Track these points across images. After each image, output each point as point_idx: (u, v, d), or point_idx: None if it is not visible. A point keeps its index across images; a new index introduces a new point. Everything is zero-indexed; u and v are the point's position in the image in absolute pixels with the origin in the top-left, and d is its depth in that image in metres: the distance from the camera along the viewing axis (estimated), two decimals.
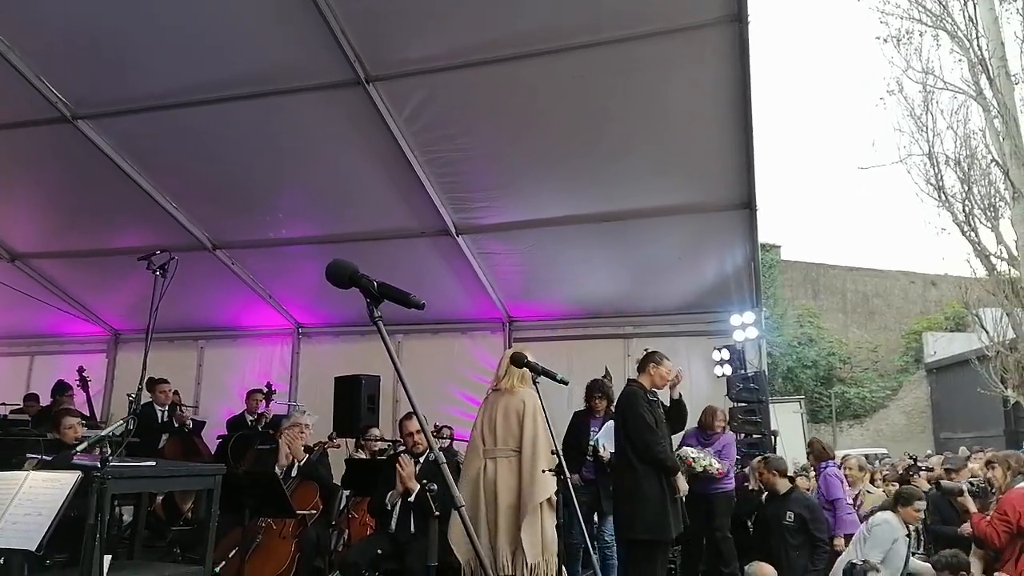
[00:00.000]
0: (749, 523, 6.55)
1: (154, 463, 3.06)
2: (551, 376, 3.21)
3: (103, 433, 3.05)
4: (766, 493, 6.14)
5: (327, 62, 5.45)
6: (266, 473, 4.09)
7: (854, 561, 4.73)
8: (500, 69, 5.46)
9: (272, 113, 6.05)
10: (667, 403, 5.09)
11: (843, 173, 49.40)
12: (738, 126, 5.73)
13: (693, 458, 6.11)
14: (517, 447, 4.24)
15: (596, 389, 6.05)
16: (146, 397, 7.13)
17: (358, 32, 5.26)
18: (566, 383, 3.30)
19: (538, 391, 3.40)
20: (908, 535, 5.11)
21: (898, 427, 24.93)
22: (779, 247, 27.15)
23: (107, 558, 2.86)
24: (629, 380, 5.05)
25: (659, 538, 4.48)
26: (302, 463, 4.83)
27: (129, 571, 3.06)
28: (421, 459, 4.46)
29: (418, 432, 4.45)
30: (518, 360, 3.32)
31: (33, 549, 2.38)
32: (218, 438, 7.32)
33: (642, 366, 4.94)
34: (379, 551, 3.83)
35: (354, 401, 7.43)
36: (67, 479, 2.55)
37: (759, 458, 6.36)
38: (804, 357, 25.68)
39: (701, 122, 5.85)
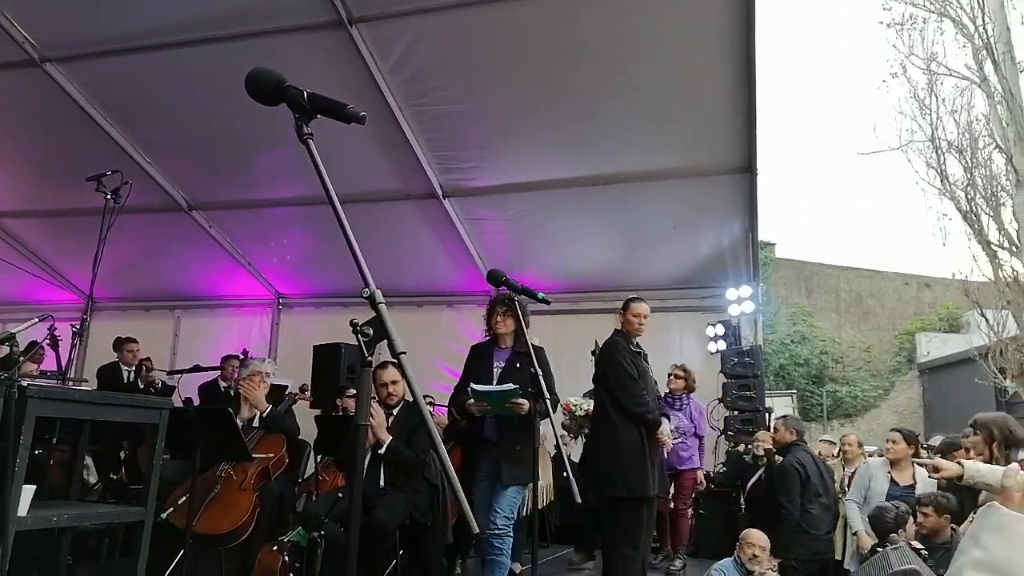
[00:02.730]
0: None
1: (89, 389, 2.77)
2: (531, 295, 2.99)
3: (16, 330, 2.74)
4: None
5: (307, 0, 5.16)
6: (217, 409, 3.77)
7: (880, 505, 4.55)
8: (492, 11, 5.20)
9: (250, 58, 5.60)
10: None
11: (841, 165, 49.13)
12: (740, 82, 5.46)
13: (573, 404, 5.68)
14: None
15: (500, 303, 4.29)
16: (112, 357, 6.84)
17: None
18: (547, 303, 3.11)
19: None
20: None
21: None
22: (773, 245, 26.96)
23: (29, 489, 2.55)
24: (615, 331, 4.78)
25: (638, 495, 4.25)
26: (265, 414, 4.51)
27: (57, 508, 2.75)
28: (394, 411, 4.20)
29: (392, 383, 4.18)
30: (495, 277, 3.05)
31: None
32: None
33: (620, 316, 4.77)
34: (339, 496, 3.54)
35: (333, 370, 7.09)
36: None
37: (779, 418, 6.17)
38: (797, 355, 25.51)
39: (701, 77, 5.58)
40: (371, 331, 1.37)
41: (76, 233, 8.18)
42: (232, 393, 6.52)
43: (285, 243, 8.03)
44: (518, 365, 4.09)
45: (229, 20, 5.40)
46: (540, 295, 3.08)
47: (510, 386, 3.92)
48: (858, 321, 27.09)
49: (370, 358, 1.39)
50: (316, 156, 1.43)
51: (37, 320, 3.06)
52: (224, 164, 7.02)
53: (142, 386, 6.68)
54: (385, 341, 1.37)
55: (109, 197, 3.70)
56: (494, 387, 4.03)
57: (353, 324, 1.42)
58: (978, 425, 4.02)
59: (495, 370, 4.22)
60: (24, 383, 2.32)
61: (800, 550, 5.24)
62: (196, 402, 7.01)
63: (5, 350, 3.87)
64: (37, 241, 8.58)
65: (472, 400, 4.03)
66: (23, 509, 2.52)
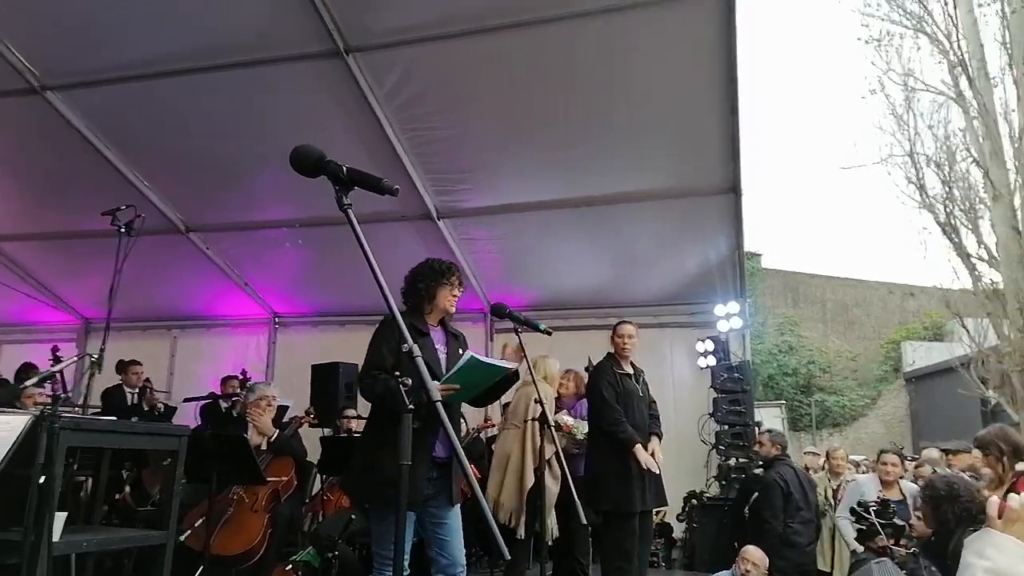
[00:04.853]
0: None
1: (114, 418, 2.89)
2: (534, 327, 3.15)
3: (55, 368, 2.87)
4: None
5: (305, 31, 5.32)
6: (234, 436, 3.90)
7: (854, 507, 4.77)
8: (483, 41, 5.35)
9: (248, 86, 5.89)
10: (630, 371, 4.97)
11: (823, 178, 49.79)
12: (724, 106, 5.65)
13: (572, 425, 5.55)
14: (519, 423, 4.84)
15: (456, 273, 3.59)
16: (115, 378, 6.92)
17: None
18: (549, 333, 3.26)
19: None
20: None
21: (877, 436, 24.96)
22: (760, 255, 27.20)
23: (61, 516, 2.67)
24: (607, 354, 5.05)
25: (622, 509, 4.44)
26: (272, 438, 4.63)
27: (85, 533, 2.86)
28: None
29: None
30: (499, 311, 3.22)
31: None
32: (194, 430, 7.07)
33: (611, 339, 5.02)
34: (352, 517, 3.67)
35: (331, 389, 7.22)
36: (18, 422, 2.38)
37: (764, 431, 6.32)
38: (784, 365, 25.71)
39: (686, 102, 5.76)
40: (410, 381, 1.51)
41: (72, 255, 8.30)
42: (234, 414, 6.62)
43: (280, 263, 8.14)
44: (460, 351, 3.39)
45: (229, 50, 5.53)
46: (542, 326, 3.24)
47: (503, 362, 3.29)
48: (844, 330, 27.38)
49: (411, 406, 1.53)
50: (356, 225, 1.58)
51: (75, 358, 3.18)
52: (221, 187, 7.14)
53: (146, 408, 6.76)
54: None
55: (123, 230, 3.83)
56: (490, 360, 3.26)
57: (396, 376, 1.56)
58: (984, 445, 3.95)
59: (440, 355, 3.43)
60: (64, 415, 2.44)
61: (782, 563, 5.37)
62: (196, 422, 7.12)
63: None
64: (34, 263, 8.65)
65: (441, 383, 3.01)
66: (56, 535, 2.64)
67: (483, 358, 3.09)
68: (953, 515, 3.26)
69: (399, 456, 1.56)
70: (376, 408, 3.31)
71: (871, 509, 4.55)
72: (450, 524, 3.30)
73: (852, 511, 4.78)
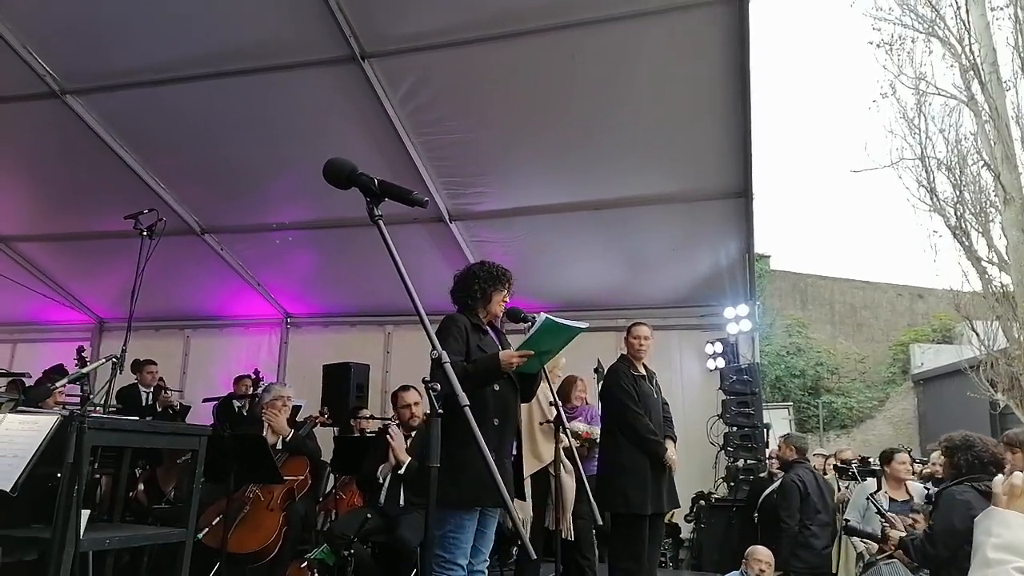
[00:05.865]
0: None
1: (136, 418, 2.96)
2: None
3: (85, 370, 2.95)
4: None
5: (322, 37, 5.40)
6: (252, 435, 3.98)
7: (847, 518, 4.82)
8: (496, 47, 5.42)
9: (265, 91, 5.98)
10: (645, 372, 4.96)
11: (833, 181, 49.50)
12: (735, 111, 5.69)
13: (588, 431, 5.53)
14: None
15: (509, 280, 3.63)
16: (131, 379, 7.01)
17: (354, 5, 5.20)
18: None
19: None
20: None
21: (885, 438, 24.83)
22: (768, 257, 27.12)
23: (84, 513, 2.74)
24: (620, 356, 5.05)
25: (636, 511, 4.44)
26: (288, 438, 4.72)
27: (108, 530, 2.94)
28: (413, 433, 4.41)
29: (414, 404, 4.39)
30: (514, 315, 3.28)
31: (8, 490, 2.28)
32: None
33: (624, 341, 5.00)
34: (368, 516, 3.74)
35: (343, 389, 7.33)
36: (45, 421, 2.45)
37: (782, 436, 6.36)
38: (792, 367, 25.61)
39: (698, 106, 5.81)
40: (439, 386, 1.57)
41: (86, 255, 8.42)
42: (244, 413, 6.71)
43: (293, 264, 8.21)
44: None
45: (246, 55, 5.62)
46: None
47: (576, 322, 3.17)
48: (852, 332, 27.25)
49: (440, 411, 1.59)
50: (387, 235, 1.64)
51: (104, 360, 3.26)
52: (237, 189, 7.23)
53: (160, 409, 6.85)
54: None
55: (144, 233, 3.91)
56: (565, 321, 3.13)
57: (425, 381, 1.63)
58: (1017, 444, 3.98)
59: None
60: (90, 415, 2.51)
61: (798, 564, 5.45)
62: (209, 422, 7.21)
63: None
64: (50, 263, 8.76)
65: (517, 350, 3.11)
66: (80, 532, 2.71)
67: (558, 319, 3.03)
68: (965, 462, 3.57)
69: (429, 459, 1.60)
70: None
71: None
72: (488, 535, 3.25)
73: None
